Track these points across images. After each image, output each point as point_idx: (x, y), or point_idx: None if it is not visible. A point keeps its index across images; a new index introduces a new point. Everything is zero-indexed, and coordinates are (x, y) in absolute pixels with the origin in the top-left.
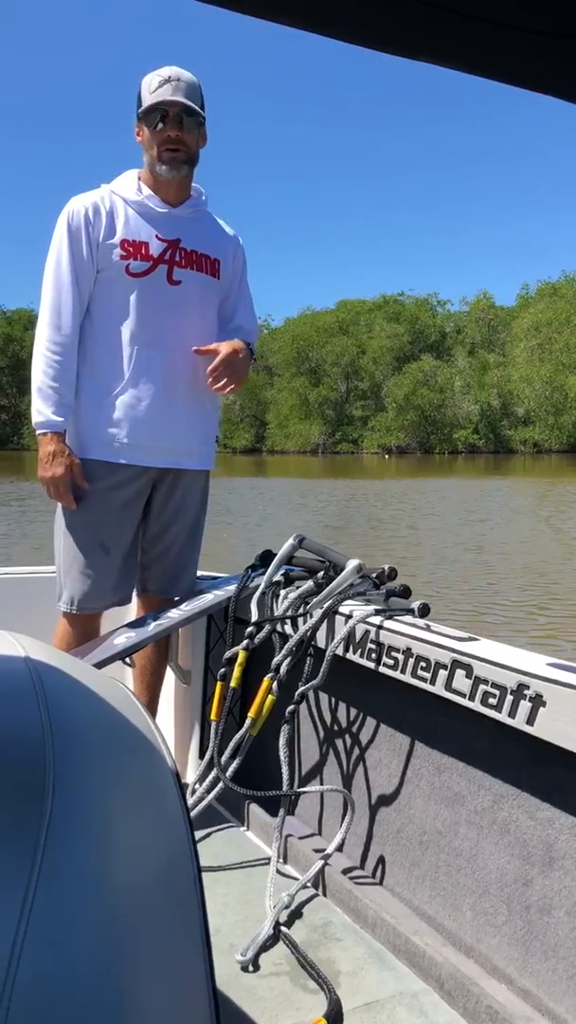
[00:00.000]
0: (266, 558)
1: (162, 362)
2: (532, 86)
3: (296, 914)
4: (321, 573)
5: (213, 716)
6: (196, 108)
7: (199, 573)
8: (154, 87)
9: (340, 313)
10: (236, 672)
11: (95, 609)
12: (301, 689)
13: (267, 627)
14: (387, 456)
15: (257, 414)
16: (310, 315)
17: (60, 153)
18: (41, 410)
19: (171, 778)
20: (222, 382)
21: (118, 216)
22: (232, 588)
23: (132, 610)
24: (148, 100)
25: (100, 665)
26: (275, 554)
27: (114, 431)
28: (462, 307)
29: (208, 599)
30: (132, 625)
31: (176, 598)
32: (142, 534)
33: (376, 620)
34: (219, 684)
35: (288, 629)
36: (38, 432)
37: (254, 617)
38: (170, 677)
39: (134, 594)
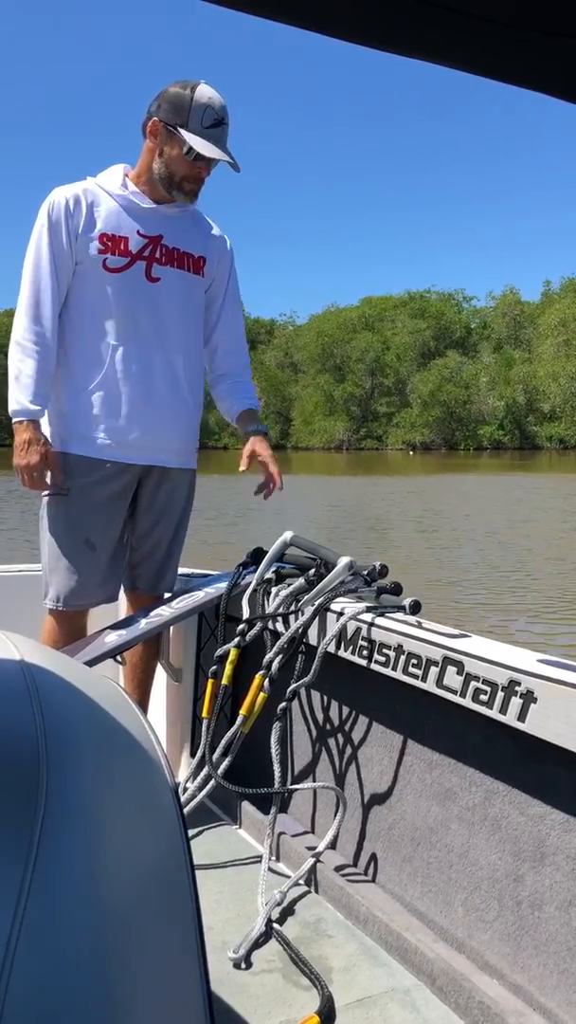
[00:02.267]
0: (258, 555)
1: (139, 359)
2: (533, 86)
3: (288, 911)
4: (312, 571)
5: (205, 714)
6: (238, 166)
7: (190, 571)
8: (208, 123)
9: (365, 309)
10: (228, 670)
11: (82, 606)
12: (293, 686)
13: (258, 624)
14: (412, 452)
15: (282, 411)
16: (335, 312)
17: (46, 148)
18: (17, 398)
19: (164, 776)
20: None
21: (99, 209)
22: (223, 586)
23: (121, 608)
24: (198, 134)
25: (91, 663)
26: (266, 551)
27: (93, 426)
28: (488, 303)
29: (199, 597)
30: (123, 623)
31: (165, 595)
32: (130, 531)
33: (367, 617)
34: (210, 681)
35: (279, 627)
36: (14, 420)
37: (245, 614)
38: (161, 675)
39: (122, 592)
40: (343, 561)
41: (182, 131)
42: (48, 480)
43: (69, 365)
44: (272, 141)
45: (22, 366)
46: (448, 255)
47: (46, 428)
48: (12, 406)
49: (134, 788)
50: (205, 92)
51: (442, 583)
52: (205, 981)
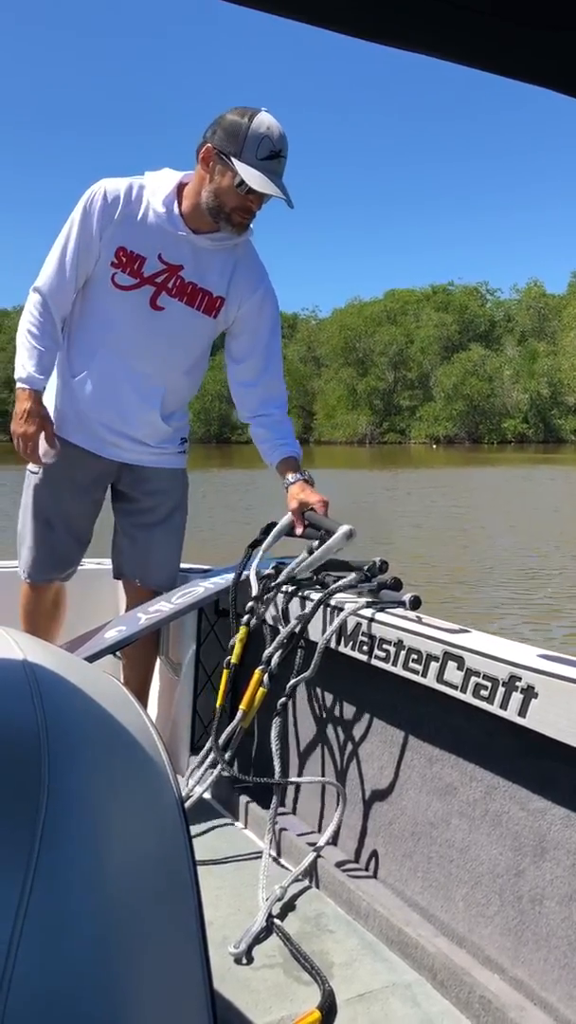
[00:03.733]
0: (268, 530)
1: (119, 376)
2: (531, 79)
3: (289, 906)
4: (316, 543)
5: (218, 703)
6: (290, 199)
7: (189, 566)
8: (263, 154)
9: (388, 303)
10: (235, 656)
11: (40, 580)
12: (292, 681)
13: (257, 619)
14: (435, 446)
15: (305, 404)
16: (358, 305)
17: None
18: (25, 364)
19: (166, 772)
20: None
21: (132, 218)
22: (221, 581)
23: (121, 602)
24: (251, 165)
25: (92, 659)
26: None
27: (70, 412)
28: (512, 295)
29: (198, 592)
30: (123, 619)
31: (154, 588)
32: (121, 522)
33: (367, 612)
34: (225, 672)
35: (279, 621)
36: (18, 386)
37: (247, 610)
38: (160, 670)
39: (121, 585)
40: (343, 529)
41: (235, 161)
42: (41, 453)
43: (66, 351)
44: (296, 134)
45: (31, 338)
46: (471, 248)
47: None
48: (19, 372)
49: (136, 784)
50: (264, 121)
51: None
52: (207, 977)
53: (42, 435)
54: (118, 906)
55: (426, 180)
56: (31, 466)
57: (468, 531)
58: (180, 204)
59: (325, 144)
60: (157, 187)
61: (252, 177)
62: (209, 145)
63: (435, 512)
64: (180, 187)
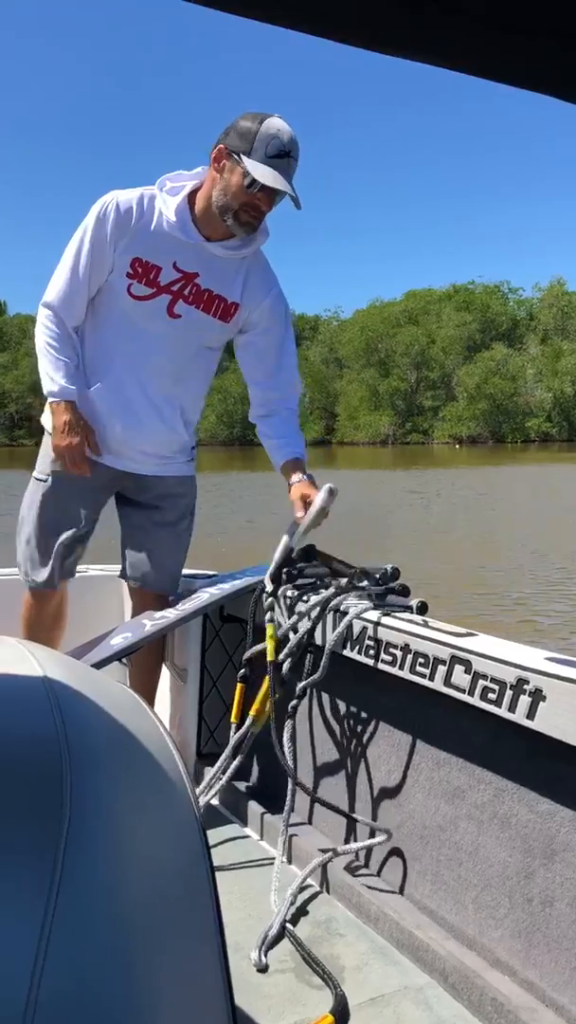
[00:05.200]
0: (308, 554)
1: (136, 386)
2: (532, 87)
3: (300, 911)
4: (326, 577)
5: (233, 718)
6: (298, 200)
7: (193, 571)
8: (272, 152)
9: (409, 303)
10: (242, 664)
11: (46, 588)
12: (301, 685)
13: (267, 626)
14: (458, 446)
15: (327, 406)
16: (379, 306)
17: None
18: (54, 378)
19: (182, 781)
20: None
21: (146, 228)
22: (226, 587)
23: (127, 608)
24: (261, 163)
25: (98, 665)
26: (317, 550)
27: (89, 423)
28: (535, 294)
29: (203, 598)
30: (128, 626)
31: (158, 591)
32: (129, 526)
33: (374, 617)
34: (240, 686)
35: (288, 628)
36: (51, 401)
37: (250, 616)
38: (166, 675)
39: (126, 590)
40: (325, 488)
41: (245, 159)
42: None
43: (81, 363)
44: (317, 137)
45: (52, 351)
46: (492, 247)
47: (48, 412)
48: (49, 386)
49: (154, 793)
50: (275, 123)
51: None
52: (228, 984)
53: (85, 445)
54: (141, 914)
55: (446, 179)
56: (38, 474)
57: (493, 536)
58: (192, 211)
59: (345, 146)
60: (168, 196)
61: (261, 173)
62: (222, 146)
63: (458, 515)
64: (191, 195)
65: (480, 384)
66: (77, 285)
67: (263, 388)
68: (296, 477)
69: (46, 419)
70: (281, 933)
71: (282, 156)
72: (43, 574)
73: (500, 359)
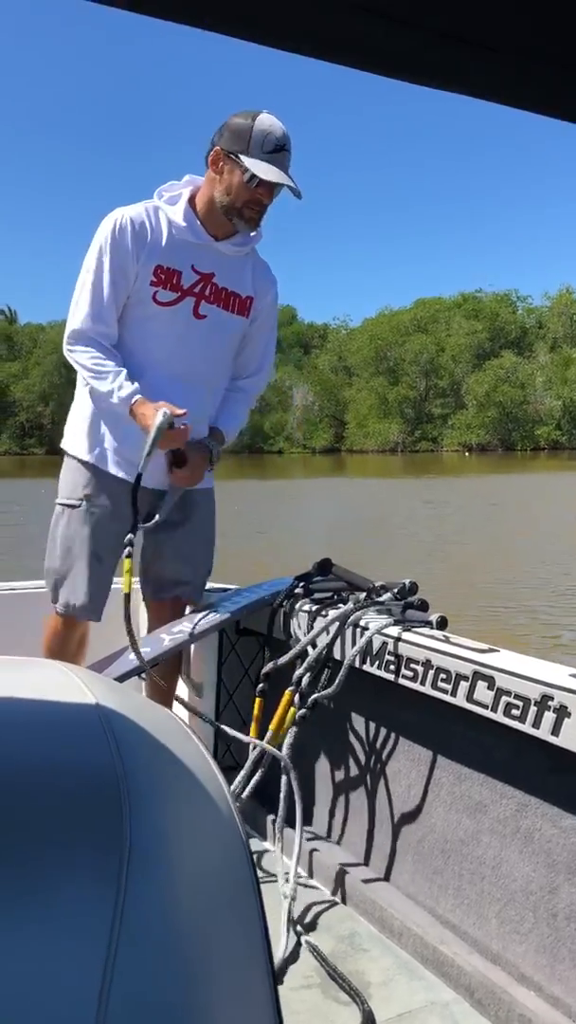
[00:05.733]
0: (322, 567)
1: (168, 389)
2: (541, 111)
3: (322, 926)
4: (344, 592)
5: (252, 733)
6: (300, 193)
7: (211, 585)
8: (268, 148)
9: (418, 312)
10: (261, 679)
11: (89, 617)
12: (319, 700)
13: (286, 641)
14: (467, 453)
15: (336, 414)
16: (388, 314)
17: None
18: (114, 389)
19: (229, 806)
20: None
21: (160, 238)
22: (243, 601)
23: (143, 620)
24: (259, 159)
25: (120, 680)
26: (332, 563)
27: (115, 445)
28: (543, 302)
29: (221, 612)
30: (147, 640)
31: (187, 600)
32: (150, 545)
33: (394, 632)
34: (258, 701)
35: (306, 643)
36: (131, 404)
37: (267, 630)
38: (182, 689)
39: (142, 602)
40: (373, 584)
41: (243, 158)
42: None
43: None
44: (323, 144)
45: (101, 366)
46: (501, 255)
47: (70, 435)
48: (116, 398)
49: (204, 822)
50: (266, 120)
51: None
52: (276, 1008)
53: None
54: (199, 942)
55: (455, 187)
56: (67, 500)
57: (509, 547)
58: (197, 214)
59: (352, 153)
60: (171, 204)
61: (262, 169)
62: (218, 148)
63: (473, 525)
64: (191, 199)
65: (489, 392)
66: (104, 303)
67: (240, 371)
68: (206, 440)
69: (69, 443)
70: (304, 948)
71: (278, 151)
72: (84, 602)
73: (509, 367)
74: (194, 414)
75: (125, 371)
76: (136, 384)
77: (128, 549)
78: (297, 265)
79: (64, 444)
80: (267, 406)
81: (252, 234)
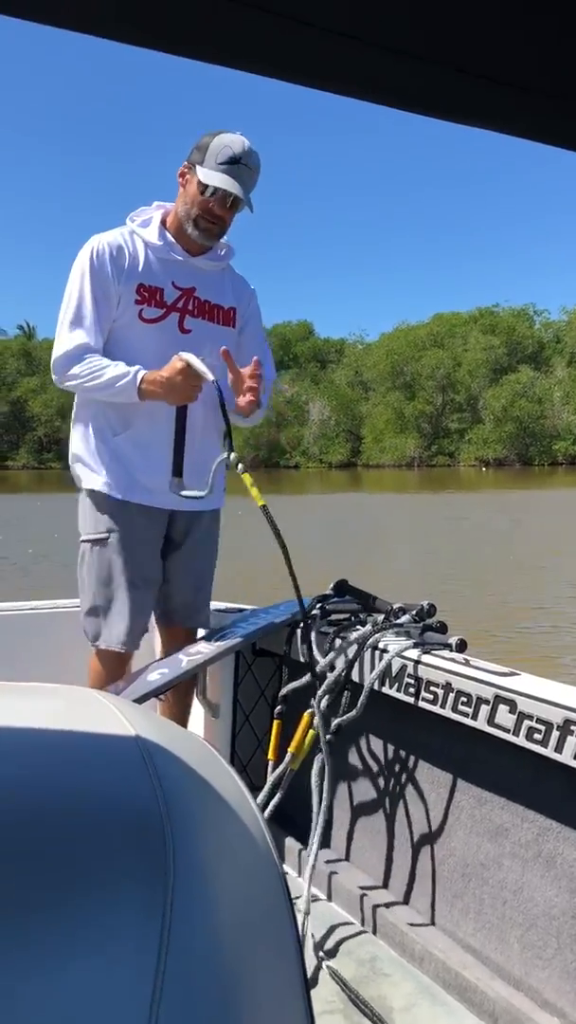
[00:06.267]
0: (340, 588)
1: (167, 408)
2: (548, 141)
3: (343, 950)
4: (361, 612)
5: (270, 755)
6: (248, 200)
7: (225, 605)
8: (223, 159)
9: (435, 326)
10: (279, 700)
11: (133, 648)
12: (337, 721)
13: (306, 662)
14: (484, 468)
15: (352, 429)
16: (405, 329)
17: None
18: (119, 381)
19: (264, 836)
20: (249, 396)
21: (138, 259)
22: (262, 621)
23: (156, 644)
24: (212, 170)
25: (138, 702)
26: (349, 584)
27: (126, 472)
28: (561, 316)
29: (238, 634)
30: (164, 662)
31: (200, 630)
32: (165, 570)
33: (414, 655)
34: (276, 723)
35: (325, 665)
36: (138, 390)
37: (284, 652)
38: (198, 710)
39: (155, 627)
40: (391, 606)
41: (199, 168)
42: (199, 380)
43: (102, 413)
44: (341, 162)
45: (100, 369)
46: (518, 270)
47: (82, 471)
48: (123, 390)
49: (242, 852)
50: (229, 136)
51: None
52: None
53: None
54: (241, 972)
55: (472, 203)
56: (93, 535)
57: (531, 567)
58: (170, 233)
59: (372, 170)
60: (144, 227)
61: (210, 177)
62: (185, 162)
63: (493, 543)
64: (163, 220)
65: (507, 407)
66: (88, 327)
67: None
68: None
69: (81, 479)
70: (325, 973)
71: (233, 163)
72: (126, 634)
73: (527, 382)
74: (195, 428)
75: (116, 363)
76: (133, 374)
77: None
78: (314, 281)
79: (77, 481)
80: (284, 421)
81: (223, 252)
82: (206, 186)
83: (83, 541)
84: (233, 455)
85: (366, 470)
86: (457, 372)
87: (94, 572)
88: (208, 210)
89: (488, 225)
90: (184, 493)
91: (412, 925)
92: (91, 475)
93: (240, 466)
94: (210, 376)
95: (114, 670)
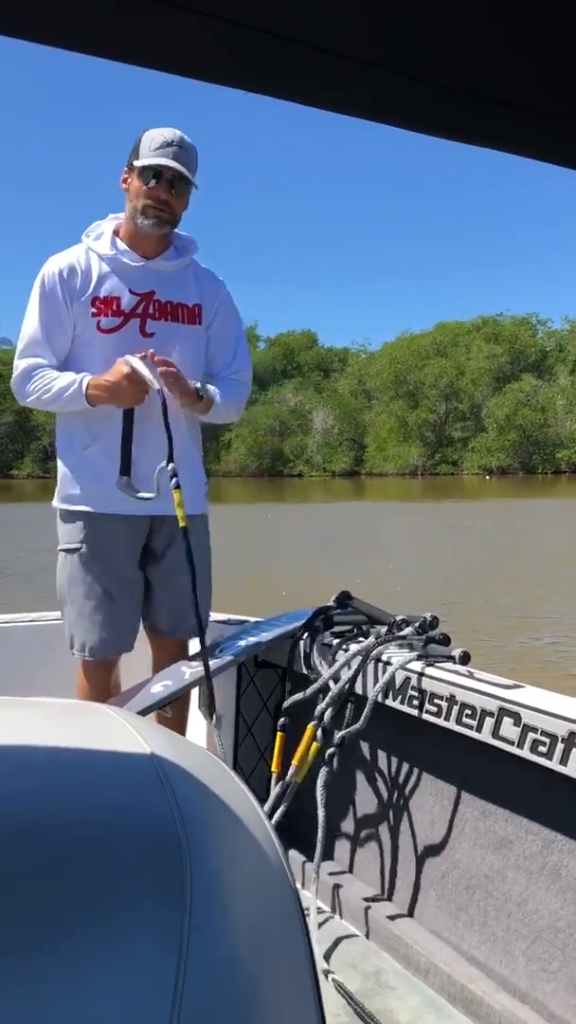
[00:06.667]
0: (341, 600)
1: (138, 414)
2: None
3: (348, 963)
4: (364, 625)
5: (274, 767)
6: (190, 177)
7: (226, 616)
8: (155, 146)
9: (438, 335)
10: (282, 713)
11: (111, 656)
12: (341, 733)
13: (309, 675)
14: (488, 476)
15: (356, 437)
16: (408, 338)
17: None
18: (65, 389)
19: (277, 852)
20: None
21: (91, 274)
22: (264, 634)
23: (146, 653)
24: (147, 157)
25: (141, 714)
26: (351, 596)
27: (100, 482)
28: (564, 325)
29: (240, 645)
30: (167, 674)
31: (190, 640)
32: (149, 578)
33: (417, 667)
34: (280, 735)
35: (328, 677)
36: (88, 392)
37: (287, 664)
38: (200, 722)
39: (144, 636)
40: (394, 619)
41: (135, 163)
42: (142, 385)
43: (72, 426)
44: (345, 171)
45: (44, 382)
46: (521, 279)
47: (59, 483)
48: (70, 398)
49: (257, 867)
50: (156, 128)
51: None
52: None
53: (130, 376)
54: (259, 982)
55: (475, 213)
56: (68, 544)
57: (523, 572)
58: (123, 241)
59: (375, 179)
60: (98, 240)
61: (146, 161)
62: (124, 169)
63: (487, 550)
64: (116, 230)
65: (510, 415)
66: (41, 352)
67: (217, 367)
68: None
69: (57, 497)
70: (330, 985)
71: (166, 146)
72: (102, 642)
73: (529, 390)
74: (156, 436)
75: (63, 375)
76: (79, 382)
77: (175, 480)
78: (318, 291)
79: (54, 501)
80: (287, 429)
81: (181, 247)
82: (143, 170)
83: (60, 551)
84: (171, 465)
85: (369, 479)
86: (460, 381)
87: (71, 582)
88: (153, 196)
89: (491, 235)
90: (141, 495)
91: (416, 937)
92: (66, 488)
93: (174, 480)
94: (156, 384)
95: (100, 680)
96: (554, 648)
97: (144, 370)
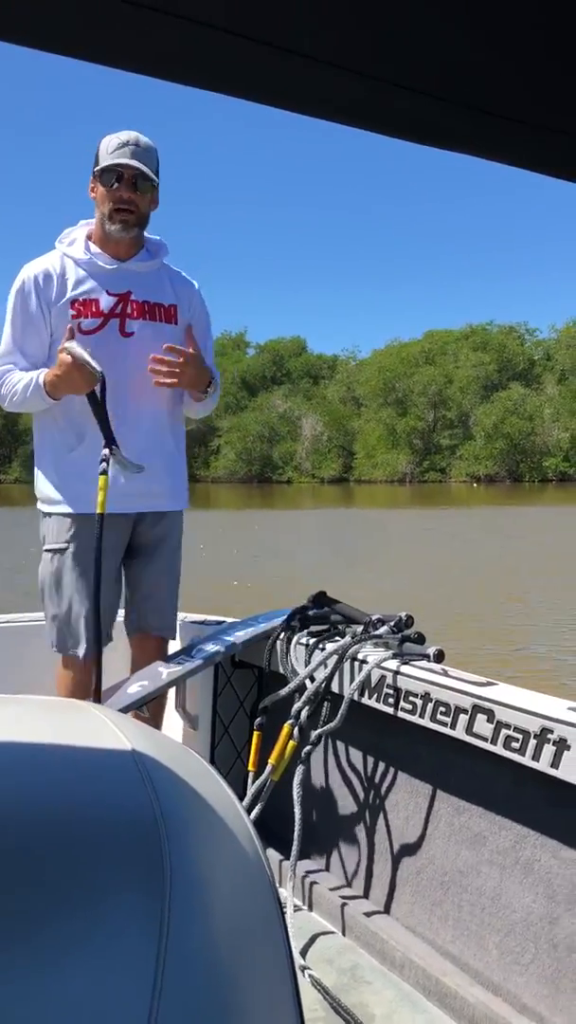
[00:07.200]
0: (318, 600)
1: (120, 413)
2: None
3: (324, 959)
4: (339, 624)
5: (250, 766)
6: (150, 173)
7: (203, 617)
8: (112, 149)
9: (426, 344)
10: (259, 712)
11: (91, 654)
12: (318, 732)
13: (285, 674)
14: (475, 484)
15: (344, 444)
16: (397, 346)
17: None
18: (27, 385)
19: (255, 846)
20: (167, 378)
21: (68, 278)
22: (241, 634)
23: (126, 652)
24: (105, 161)
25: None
26: (328, 596)
27: (83, 484)
28: (551, 335)
29: (218, 645)
30: (144, 674)
31: (165, 635)
32: (128, 575)
33: (392, 665)
34: (256, 734)
35: (304, 676)
36: (45, 388)
37: (265, 663)
38: (176, 722)
39: (124, 635)
40: (369, 618)
41: (96, 169)
42: (88, 368)
43: (55, 429)
44: (334, 177)
45: (12, 385)
46: (509, 288)
47: (42, 489)
48: (34, 394)
49: (236, 861)
50: (112, 133)
51: None
52: None
53: (77, 364)
54: (237, 973)
55: (464, 221)
56: (53, 545)
57: (508, 580)
58: (96, 245)
59: (365, 187)
60: (72, 246)
61: (106, 162)
62: (90, 180)
63: (473, 557)
64: (88, 235)
65: (497, 423)
66: (10, 357)
67: None
68: None
69: (41, 499)
70: (307, 981)
71: (123, 147)
72: (86, 642)
73: (517, 399)
74: (143, 429)
75: (25, 372)
76: (37, 377)
77: (103, 465)
78: (307, 297)
79: (40, 495)
80: (276, 436)
81: (153, 249)
82: (104, 173)
83: (45, 550)
84: (104, 451)
85: (358, 485)
86: (448, 389)
87: (56, 581)
88: (118, 198)
89: (480, 244)
90: (137, 463)
91: (392, 933)
92: (51, 490)
93: (103, 464)
94: (97, 366)
95: (80, 678)
96: (524, 653)
97: (84, 355)
